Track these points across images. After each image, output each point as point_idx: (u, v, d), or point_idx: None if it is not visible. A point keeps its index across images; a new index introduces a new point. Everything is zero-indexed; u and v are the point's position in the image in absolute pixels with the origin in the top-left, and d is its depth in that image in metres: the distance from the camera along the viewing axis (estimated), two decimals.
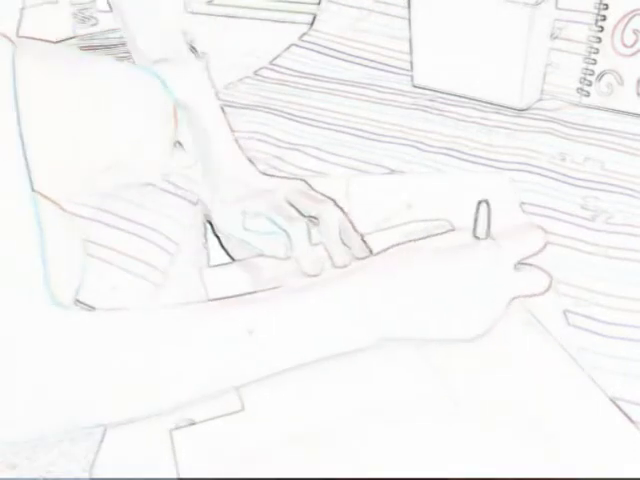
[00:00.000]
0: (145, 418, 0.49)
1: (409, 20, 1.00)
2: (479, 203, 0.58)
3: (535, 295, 0.56)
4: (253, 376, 0.52)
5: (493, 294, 0.55)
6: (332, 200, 0.64)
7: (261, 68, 1.09)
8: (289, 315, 0.53)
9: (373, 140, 0.90)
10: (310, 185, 0.68)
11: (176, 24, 0.74)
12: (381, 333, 0.53)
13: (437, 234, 0.59)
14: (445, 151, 0.87)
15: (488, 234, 0.57)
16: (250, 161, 0.74)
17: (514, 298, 0.55)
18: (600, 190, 0.77)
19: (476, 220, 0.57)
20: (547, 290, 0.56)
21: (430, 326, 0.54)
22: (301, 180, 0.70)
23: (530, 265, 0.56)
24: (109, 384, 0.48)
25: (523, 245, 0.56)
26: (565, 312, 0.60)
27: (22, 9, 0.55)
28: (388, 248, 0.58)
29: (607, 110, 0.93)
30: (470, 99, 0.98)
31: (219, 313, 0.52)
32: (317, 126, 0.92)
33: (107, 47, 0.98)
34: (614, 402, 0.50)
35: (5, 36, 0.52)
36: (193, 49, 0.97)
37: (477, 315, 0.54)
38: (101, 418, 0.49)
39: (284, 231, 0.62)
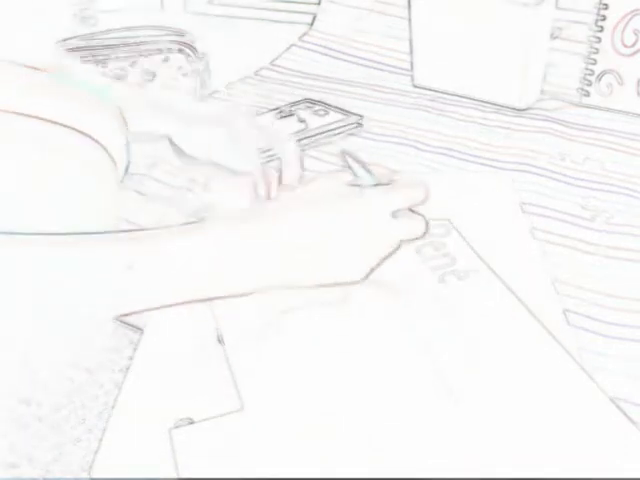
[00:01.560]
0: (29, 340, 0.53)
1: (409, 20, 1.00)
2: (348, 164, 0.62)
3: (415, 238, 0.60)
4: (130, 309, 0.54)
5: (370, 238, 0.58)
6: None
7: (261, 68, 1.09)
8: (168, 253, 0.55)
9: (373, 140, 0.90)
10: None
11: None
12: (263, 281, 0.56)
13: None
14: (445, 151, 0.87)
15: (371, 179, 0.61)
16: None
17: (398, 242, 0.59)
18: (600, 190, 0.77)
19: (353, 170, 0.61)
20: (424, 234, 0.60)
21: (311, 270, 0.57)
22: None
23: (410, 211, 0.60)
24: None
25: (400, 195, 0.60)
26: (565, 312, 0.60)
27: None
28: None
29: (607, 110, 0.93)
30: (470, 99, 0.98)
31: (99, 247, 0.55)
32: None
33: (107, 47, 0.98)
34: (615, 402, 0.50)
35: None
36: (193, 49, 0.97)
37: (355, 258, 0.58)
38: None
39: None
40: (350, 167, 0.61)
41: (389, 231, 0.59)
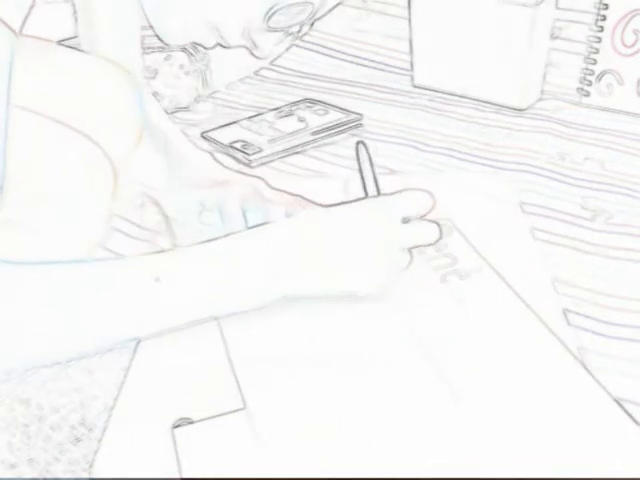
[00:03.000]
0: (53, 364, 0.53)
1: (409, 20, 1.00)
2: (359, 158, 0.62)
3: (427, 245, 0.60)
4: (158, 326, 0.54)
5: (385, 247, 0.57)
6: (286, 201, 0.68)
7: (261, 68, 1.09)
8: (194, 265, 0.55)
9: (373, 140, 0.90)
10: (267, 183, 0.71)
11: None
12: (283, 292, 0.56)
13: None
14: (445, 151, 0.87)
15: (378, 190, 0.60)
16: (210, 154, 0.78)
17: (408, 249, 0.58)
18: (600, 190, 0.77)
19: (364, 178, 0.61)
20: (438, 240, 0.59)
21: (328, 282, 0.57)
22: (258, 177, 0.72)
23: (422, 219, 0.60)
24: (11, 332, 0.51)
25: (409, 202, 0.59)
26: (565, 312, 0.60)
27: (31, 7, 0.55)
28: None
29: (607, 110, 0.93)
30: (470, 99, 0.98)
31: (127, 261, 0.55)
32: None
33: None
34: (618, 403, 0.50)
35: (9, 27, 0.52)
36: (194, 49, 0.97)
37: (373, 269, 0.57)
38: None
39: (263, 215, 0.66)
40: (361, 173, 0.61)
41: (400, 240, 0.58)
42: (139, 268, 0.54)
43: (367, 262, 0.57)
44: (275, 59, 1.11)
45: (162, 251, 0.59)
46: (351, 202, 0.59)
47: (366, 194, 0.61)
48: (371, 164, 0.61)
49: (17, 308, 0.51)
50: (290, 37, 0.72)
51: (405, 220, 0.59)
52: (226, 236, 0.57)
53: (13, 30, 0.52)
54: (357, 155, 0.62)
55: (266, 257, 0.56)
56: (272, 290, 0.56)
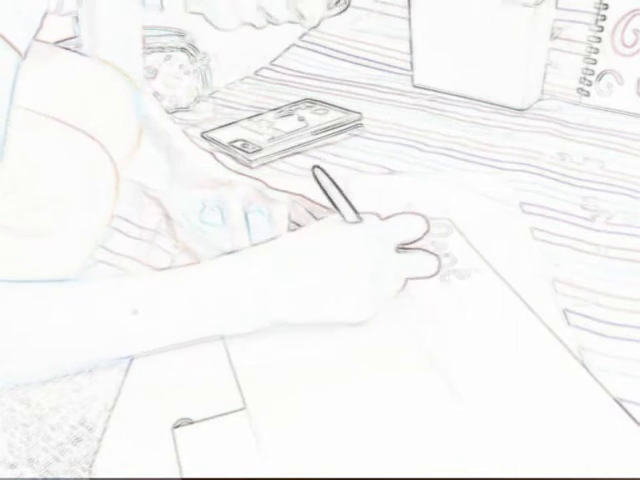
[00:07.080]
0: (28, 382, 0.53)
1: (409, 20, 1.00)
2: (320, 184, 0.59)
3: (424, 278, 0.58)
4: (138, 351, 0.54)
5: (377, 277, 0.56)
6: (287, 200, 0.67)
7: (261, 68, 1.09)
8: (174, 295, 0.54)
9: (373, 140, 0.90)
10: (267, 184, 0.71)
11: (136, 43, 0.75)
12: (272, 317, 0.55)
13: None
14: (445, 151, 0.87)
15: (359, 217, 0.58)
16: (211, 154, 0.77)
17: (404, 280, 0.57)
18: (600, 190, 0.77)
19: (335, 204, 0.58)
20: (436, 273, 0.58)
21: (318, 310, 0.55)
22: (259, 180, 0.72)
23: (419, 249, 0.58)
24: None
25: (403, 229, 0.58)
26: (565, 312, 0.60)
27: (39, 29, 0.55)
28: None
29: (607, 110, 0.93)
30: (470, 99, 0.98)
31: (104, 293, 0.54)
32: None
33: None
34: (619, 403, 0.50)
35: (15, 48, 0.52)
36: (194, 49, 0.97)
37: (363, 298, 0.56)
38: None
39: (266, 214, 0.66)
40: (332, 201, 0.58)
41: (393, 270, 0.57)
42: (116, 299, 0.53)
43: (356, 292, 0.56)
44: (275, 59, 1.11)
45: (141, 275, 0.59)
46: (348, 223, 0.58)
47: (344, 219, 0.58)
48: (336, 187, 0.58)
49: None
50: (340, 2, 0.72)
51: (400, 247, 0.57)
52: (207, 261, 0.57)
53: (19, 51, 0.52)
54: (317, 181, 0.59)
55: (251, 285, 0.55)
56: (262, 316, 0.55)
